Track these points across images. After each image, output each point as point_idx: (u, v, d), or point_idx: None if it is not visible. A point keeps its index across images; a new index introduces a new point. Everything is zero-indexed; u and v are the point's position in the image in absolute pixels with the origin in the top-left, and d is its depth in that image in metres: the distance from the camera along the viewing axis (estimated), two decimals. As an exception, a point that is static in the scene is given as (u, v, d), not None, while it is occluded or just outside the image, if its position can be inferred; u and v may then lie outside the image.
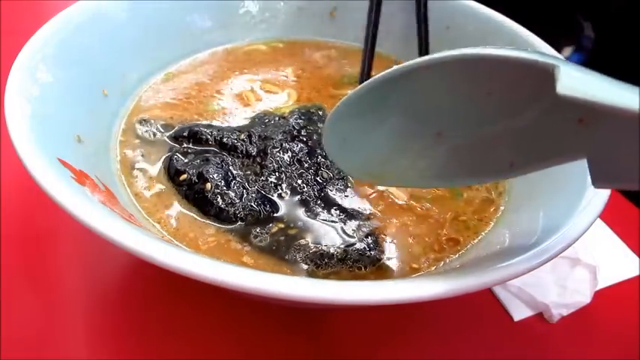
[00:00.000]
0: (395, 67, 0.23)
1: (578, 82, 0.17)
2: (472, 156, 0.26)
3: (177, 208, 0.32)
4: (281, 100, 0.41)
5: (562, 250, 0.24)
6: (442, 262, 0.31)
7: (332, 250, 0.30)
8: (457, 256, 0.31)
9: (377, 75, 0.24)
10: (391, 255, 0.31)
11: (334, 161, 0.29)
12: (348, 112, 0.26)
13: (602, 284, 0.37)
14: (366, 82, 0.25)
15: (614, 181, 0.22)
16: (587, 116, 0.21)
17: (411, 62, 0.23)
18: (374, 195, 0.34)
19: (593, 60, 0.55)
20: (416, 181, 0.29)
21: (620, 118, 0.16)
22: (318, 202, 0.32)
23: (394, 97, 0.25)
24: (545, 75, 0.17)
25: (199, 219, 0.31)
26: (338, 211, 0.32)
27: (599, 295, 0.37)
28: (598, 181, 0.21)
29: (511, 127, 0.24)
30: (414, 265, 0.31)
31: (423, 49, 0.43)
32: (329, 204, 0.33)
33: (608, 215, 0.42)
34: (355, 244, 0.31)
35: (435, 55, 0.22)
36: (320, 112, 0.39)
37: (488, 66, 0.21)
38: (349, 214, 0.32)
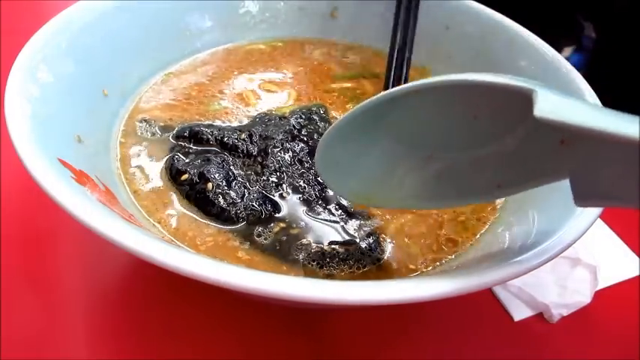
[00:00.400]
0: (384, 92, 0.24)
1: (555, 105, 0.17)
2: (460, 178, 0.27)
3: (177, 208, 0.31)
4: (281, 100, 0.41)
5: (562, 250, 0.24)
6: (442, 262, 0.31)
7: (334, 250, 0.30)
8: (458, 255, 0.31)
9: (368, 99, 0.25)
10: (392, 255, 0.31)
11: (326, 183, 0.30)
12: (340, 135, 0.26)
13: (602, 284, 0.37)
14: (357, 107, 0.25)
15: (596, 200, 0.22)
16: (568, 138, 0.21)
17: (401, 87, 0.24)
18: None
19: (593, 60, 0.55)
20: (405, 203, 0.30)
21: (597, 140, 0.16)
22: (320, 201, 0.32)
23: (385, 120, 0.26)
24: (527, 99, 0.18)
25: (199, 219, 0.31)
26: (339, 211, 0.32)
27: (599, 295, 0.37)
28: (580, 200, 0.22)
29: (497, 150, 0.25)
30: (415, 265, 0.31)
31: (408, 49, 0.43)
32: (330, 204, 0.33)
33: (608, 215, 0.43)
34: (357, 243, 0.31)
35: (424, 80, 0.23)
36: (321, 111, 0.39)
37: (473, 91, 0.22)
38: (350, 214, 0.32)
